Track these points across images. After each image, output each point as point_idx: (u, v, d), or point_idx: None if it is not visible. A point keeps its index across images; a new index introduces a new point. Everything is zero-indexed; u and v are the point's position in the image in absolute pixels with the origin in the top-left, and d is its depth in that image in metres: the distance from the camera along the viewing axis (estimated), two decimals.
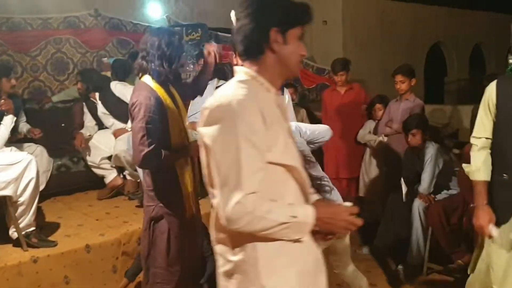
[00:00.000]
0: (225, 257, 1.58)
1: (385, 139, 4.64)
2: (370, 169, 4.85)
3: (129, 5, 6.94)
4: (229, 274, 1.57)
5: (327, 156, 4.91)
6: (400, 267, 3.95)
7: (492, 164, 2.44)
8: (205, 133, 1.47)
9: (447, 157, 3.98)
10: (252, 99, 1.45)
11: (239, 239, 1.51)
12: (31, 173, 3.59)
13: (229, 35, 6.78)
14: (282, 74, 1.60)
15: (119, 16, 6.48)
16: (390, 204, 4.23)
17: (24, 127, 4.82)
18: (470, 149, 3.89)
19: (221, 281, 1.63)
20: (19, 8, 5.70)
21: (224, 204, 1.40)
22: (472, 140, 2.53)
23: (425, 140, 3.95)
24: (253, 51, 1.55)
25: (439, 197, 3.92)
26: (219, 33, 6.53)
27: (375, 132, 4.80)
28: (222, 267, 1.61)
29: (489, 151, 2.45)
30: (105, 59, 6.10)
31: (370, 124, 5.01)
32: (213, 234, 1.65)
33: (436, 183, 3.92)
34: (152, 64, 2.55)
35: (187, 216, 2.65)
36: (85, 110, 5.15)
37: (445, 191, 3.94)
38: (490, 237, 2.35)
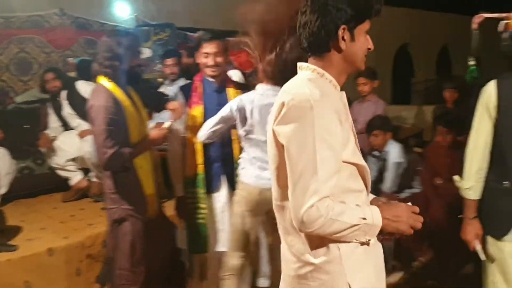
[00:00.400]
0: (302, 260, 1.54)
1: None
2: None
3: (96, 4, 6.83)
4: (307, 277, 1.54)
5: None
6: None
7: (491, 170, 2.31)
8: (281, 132, 1.44)
9: (410, 156, 4.06)
10: (327, 98, 1.42)
11: (320, 240, 1.49)
12: None
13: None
14: (347, 70, 1.56)
15: (86, 15, 6.39)
16: None
17: None
18: (431, 150, 4.01)
19: (294, 283, 1.59)
20: None
21: (298, 206, 1.38)
22: (469, 149, 2.36)
23: (387, 140, 4.02)
24: (319, 48, 1.50)
25: (402, 195, 3.98)
26: (188, 33, 6.49)
27: None
28: (297, 270, 1.56)
29: (485, 160, 2.30)
30: (70, 59, 6.00)
31: None
32: (282, 237, 1.62)
33: (399, 182, 3.98)
34: (105, 67, 2.57)
35: (150, 217, 2.68)
36: (50, 110, 5.05)
37: (407, 190, 4.02)
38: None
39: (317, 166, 1.35)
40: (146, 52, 6.07)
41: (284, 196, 1.51)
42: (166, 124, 2.77)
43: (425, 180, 3.88)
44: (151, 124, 3.92)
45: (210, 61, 2.88)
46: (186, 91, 3.02)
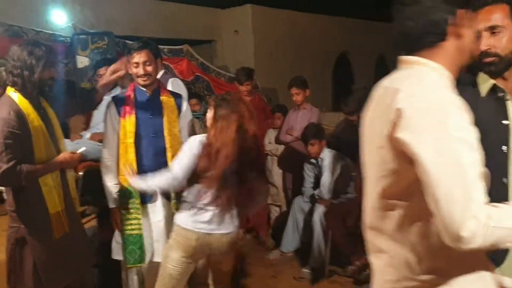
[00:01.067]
0: (408, 275, 1.38)
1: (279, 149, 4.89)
2: (274, 177, 4.99)
3: (31, 12, 6.66)
4: None
5: None
6: (304, 270, 4.11)
7: None
8: (408, 141, 1.23)
9: (344, 162, 4.22)
10: (454, 97, 1.26)
11: (431, 255, 1.34)
12: None
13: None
14: (459, 65, 1.39)
15: (20, 23, 6.17)
16: (294, 210, 4.40)
17: None
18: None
19: None
20: None
21: (453, 222, 1.15)
22: None
23: (322, 148, 4.16)
24: (433, 36, 1.34)
25: (338, 201, 4.14)
26: (127, 41, 6.44)
27: (277, 140, 4.97)
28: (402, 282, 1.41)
29: None
30: (1, 68, 5.79)
31: (270, 134, 5.16)
32: (383, 251, 1.46)
33: (334, 188, 4.13)
34: (14, 76, 2.46)
35: (56, 236, 2.54)
36: None
37: (343, 196, 4.17)
38: None
39: (467, 173, 1.17)
40: (84, 61, 5.97)
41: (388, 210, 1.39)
42: (81, 150, 2.71)
43: (359, 186, 4.02)
44: (87, 133, 3.90)
45: (140, 70, 2.86)
46: (119, 100, 2.98)
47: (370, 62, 12.60)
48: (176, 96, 3.10)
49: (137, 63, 2.86)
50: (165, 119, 2.94)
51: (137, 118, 2.90)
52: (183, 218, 2.62)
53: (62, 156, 2.59)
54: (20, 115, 2.39)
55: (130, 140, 2.88)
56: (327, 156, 4.15)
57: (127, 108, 2.91)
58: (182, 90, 3.51)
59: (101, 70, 4.54)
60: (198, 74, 7.66)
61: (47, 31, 6.38)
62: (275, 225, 5.04)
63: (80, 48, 6.10)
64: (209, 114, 2.58)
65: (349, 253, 3.99)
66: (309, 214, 4.22)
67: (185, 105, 3.11)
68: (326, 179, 4.10)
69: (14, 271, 2.53)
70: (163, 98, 2.99)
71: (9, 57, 2.47)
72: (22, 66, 2.43)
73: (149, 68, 2.89)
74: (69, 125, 4.97)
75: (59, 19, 6.87)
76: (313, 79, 8.68)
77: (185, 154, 2.57)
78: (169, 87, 3.33)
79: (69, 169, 2.73)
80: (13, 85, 2.45)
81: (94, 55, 5.95)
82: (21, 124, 2.38)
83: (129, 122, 2.89)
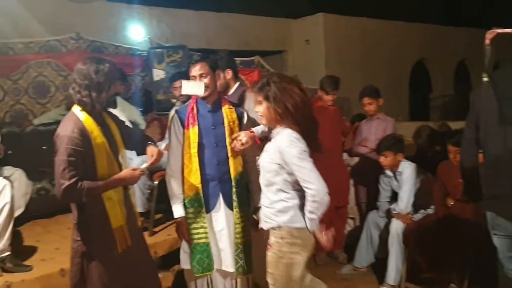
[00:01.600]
0: None
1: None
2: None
3: (111, 28, 6.99)
4: None
5: None
6: None
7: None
8: None
9: (424, 176, 4.00)
10: None
11: None
12: (5, 199, 3.57)
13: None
14: None
15: (101, 38, 6.51)
16: (368, 224, 4.23)
17: None
18: (443, 169, 3.95)
19: None
20: (0, 33, 5.73)
21: None
22: None
23: (398, 161, 3.97)
24: None
25: (417, 216, 3.92)
26: (200, 54, 6.57)
27: (350, 152, 4.83)
28: None
29: None
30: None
31: None
32: None
33: (413, 202, 3.93)
34: (79, 94, 2.43)
35: (119, 250, 2.53)
36: None
37: (422, 211, 3.95)
38: None
39: None
40: (160, 74, 6.16)
41: None
42: (143, 166, 2.66)
43: (437, 200, 3.80)
44: (163, 143, 3.97)
45: None
46: (182, 113, 3.02)
47: (450, 69, 12.04)
48: (238, 107, 3.11)
49: (194, 76, 2.91)
50: (226, 129, 2.96)
51: (199, 129, 2.93)
52: (297, 219, 2.43)
53: (123, 173, 2.58)
54: (83, 133, 2.40)
55: (194, 150, 2.92)
56: (406, 169, 3.95)
57: (190, 120, 2.95)
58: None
59: (176, 83, 4.65)
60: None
61: (125, 46, 6.68)
62: (348, 239, 4.89)
63: (156, 62, 6.31)
64: (262, 106, 2.45)
65: (427, 271, 3.77)
66: (385, 229, 4.05)
67: (246, 116, 3.10)
68: (405, 193, 3.90)
69: (80, 285, 2.56)
70: (225, 109, 3.01)
71: (75, 76, 2.46)
72: (89, 85, 2.42)
73: (205, 80, 2.90)
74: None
75: (136, 34, 7.16)
76: (388, 87, 8.43)
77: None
78: (248, 101, 3.32)
79: (130, 185, 2.72)
80: (82, 105, 2.45)
81: (169, 68, 6.13)
82: (84, 142, 2.39)
83: (192, 133, 2.93)
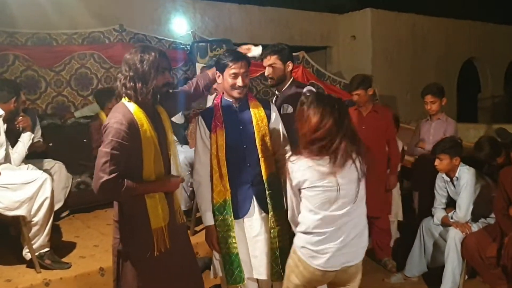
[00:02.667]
0: None
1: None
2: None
3: (154, 21, 6.91)
4: None
5: None
6: None
7: None
8: None
9: (485, 182, 3.70)
10: None
11: None
12: (45, 193, 3.49)
13: None
14: None
15: (144, 31, 6.43)
16: (422, 231, 3.96)
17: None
18: (505, 175, 3.63)
19: None
20: (44, 24, 5.71)
21: None
22: None
23: (455, 166, 3.68)
24: None
25: (477, 226, 3.63)
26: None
27: (404, 153, 4.57)
28: None
29: None
30: (120, 75, 6.01)
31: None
32: None
33: (472, 210, 3.64)
34: (127, 89, 2.31)
35: (157, 253, 2.37)
36: None
37: (482, 220, 3.65)
38: None
39: None
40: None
41: None
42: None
43: (499, 209, 3.47)
44: None
45: (239, 81, 2.67)
46: (207, 116, 2.80)
47: (500, 69, 11.51)
48: (265, 104, 2.88)
49: (235, 73, 2.68)
50: (256, 128, 2.75)
51: (226, 131, 2.72)
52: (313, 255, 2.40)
53: (166, 179, 2.44)
54: (132, 126, 2.25)
55: (222, 153, 2.71)
56: (464, 174, 3.66)
57: (216, 122, 2.74)
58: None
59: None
60: (313, 81, 7.43)
61: (168, 39, 6.58)
62: (396, 245, 4.62)
63: (200, 56, 6.18)
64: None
65: (488, 284, 3.48)
66: (440, 238, 3.77)
67: (274, 114, 2.87)
68: (464, 200, 3.62)
69: (117, 282, 2.47)
70: (252, 107, 2.79)
71: (122, 67, 2.35)
72: (134, 76, 2.28)
73: (247, 81, 2.72)
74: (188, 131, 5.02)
75: (180, 28, 7.06)
76: None
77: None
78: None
79: (171, 191, 2.52)
80: (128, 97, 2.33)
81: (213, 62, 5.97)
82: (132, 136, 2.24)
83: (220, 136, 2.72)
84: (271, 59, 3.16)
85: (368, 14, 8.79)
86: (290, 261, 2.45)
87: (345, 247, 2.28)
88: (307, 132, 2.24)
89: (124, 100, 2.34)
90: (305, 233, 2.31)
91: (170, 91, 2.53)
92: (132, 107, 2.31)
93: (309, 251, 2.30)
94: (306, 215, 2.31)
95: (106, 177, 2.15)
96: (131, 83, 2.28)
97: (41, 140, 4.62)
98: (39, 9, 5.70)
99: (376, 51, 8.87)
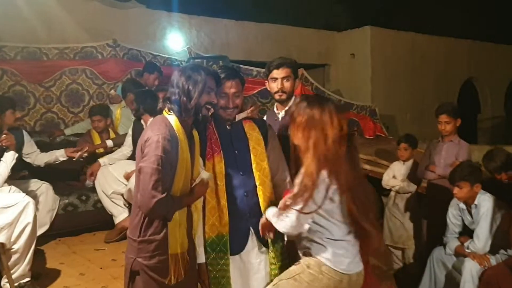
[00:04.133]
0: None
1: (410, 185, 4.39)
2: (396, 215, 4.52)
3: (149, 36, 6.73)
4: None
5: None
6: None
7: None
8: None
9: (504, 211, 3.45)
10: None
11: None
12: (27, 218, 3.24)
13: (250, 67, 6.50)
14: None
15: (138, 47, 6.23)
16: (432, 262, 3.70)
17: (48, 157, 4.50)
18: None
19: None
20: (35, 38, 5.49)
21: None
22: None
23: (476, 193, 3.43)
24: None
25: (495, 258, 3.36)
26: (241, 66, 6.21)
27: (412, 177, 4.37)
28: None
29: None
30: (112, 92, 5.81)
31: (394, 167, 4.65)
32: None
33: (492, 242, 3.38)
34: (171, 103, 2.23)
35: (172, 281, 2.18)
36: (129, 132, 4.78)
37: (502, 251, 3.39)
38: None
39: None
40: None
41: None
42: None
43: None
44: None
45: (228, 102, 2.44)
46: (203, 138, 2.48)
47: (500, 89, 11.40)
48: (261, 124, 2.61)
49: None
50: (252, 153, 2.48)
51: (224, 157, 2.45)
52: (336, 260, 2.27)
53: (197, 189, 2.29)
54: (174, 141, 2.15)
55: (221, 182, 2.42)
56: (484, 202, 3.40)
57: (214, 147, 2.46)
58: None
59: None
60: None
61: (163, 55, 6.39)
62: (401, 274, 4.37)
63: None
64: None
65: None
66: (454, 270, 3.51)
67: (271, 135, 2.60)
68: (483, 230, 3.36)
69: None
70: (247, 129, 2.52)
71: (170, 84, 2.30)
72: (179, 92, 2.21)
73: (239, 101, 2.47)
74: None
75: (175, 44, 6.88)
76: (435, 106, 7.91)
77: None
78: None
79: (201, 197, 2.38)
80: (170, 110, 2.25)
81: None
82: (172, 152, 2.13)
83: (217, 162, 2.44)
84: (287, 71, 2.90)
85: (368, 32, 8.67)
86: (304, 278, 2.22)
87: (355, 253, 2.24)
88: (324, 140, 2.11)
89: (165, 113, 2.26)
90: (335, 240, 2.20)
91: (210, 113, 2.34)
92: (173, 120, 2.21)
93: (339, 259, 2.19)
94: (331, 226, 2.19)
95: (159, 196, 2.06)
96: (175, 97, 2.23)
97: (44, 156, 4.52)
98: (29, 23, 5.50)
99: (375, 70, 8.73)
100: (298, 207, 2.09)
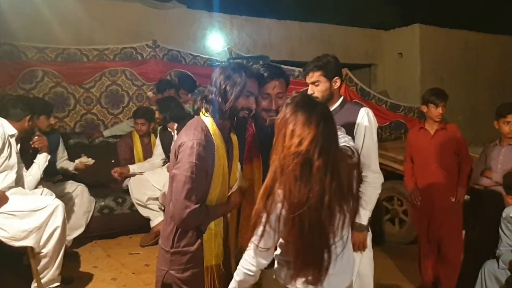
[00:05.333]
0: None
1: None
2: None
3: (190, 36, 6.64)
4: None
5: (418, 215, 3.98)
6: None
7: None
8: None
9: None
10: None
11: None
12: (56, 221, 3.17)
13: (292, 67, 6.29)
14: None
15: (179, 47, 6.15)
16: (484, 276, 3.38)
17: (66, 165, 4.50)
18: None
19: None
20: (75, 39, 5.51)
21: None
22: None
23: None
24: None
25: None
26: (282, 66, 6.01)
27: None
28: None
29: None
30: (149, 93, 5.75)
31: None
32: None
33: None
34: (207, 102, 2.09)
35: None
36: (157, 142, 4.87)
37: None
38: None
39: None
40: None
41: None
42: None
43: None
44: None
45: (270, 103, 2.26)
46: (241, 140, 2.30)
47: None
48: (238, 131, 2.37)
49: (268, 94, 2.26)
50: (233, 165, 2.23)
51: (263, 162, 2.26)
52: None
53: (233, 198, 2.16)
54: (210, 147, 2.00)
55: (259, 189, 2.19)
56: None
57: (253, 149, 2.29)
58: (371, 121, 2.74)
59: None
60: (356, 100, 6.93)
61: (203, 56, 6.28)
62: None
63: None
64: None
65: None
66: (508, 285, 3.18)
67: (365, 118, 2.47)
68: None
69: None
70: (232, 136, 2.26)
71: (209, 82, 2.15)
72: (216, 92, 2.05)
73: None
74: None
75: (216, 44, 6.75)
76: (490, 108, 7.42)
77: None
78: (360, 117, 2.56)
79: (236, 208, 2.24)
80: (206, 110, 2.09)
81: None
82: (208, 158, 1.99)
83: (256, 168, 2.30)
84: (314, 76, 2.65)
85: (417, 30, 8.27)
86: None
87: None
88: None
89: (204, 117, 2.08)
90: None
91: (247, 117, 2.16)
92: (209, 123, 2.06)
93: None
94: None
95: (193, 206, 1.93)
96: (211, 96, 2.08)
97: (71, 163, 4.52)
98: (70, 25, 5.52)
99: (425, 70, 8.31)
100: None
